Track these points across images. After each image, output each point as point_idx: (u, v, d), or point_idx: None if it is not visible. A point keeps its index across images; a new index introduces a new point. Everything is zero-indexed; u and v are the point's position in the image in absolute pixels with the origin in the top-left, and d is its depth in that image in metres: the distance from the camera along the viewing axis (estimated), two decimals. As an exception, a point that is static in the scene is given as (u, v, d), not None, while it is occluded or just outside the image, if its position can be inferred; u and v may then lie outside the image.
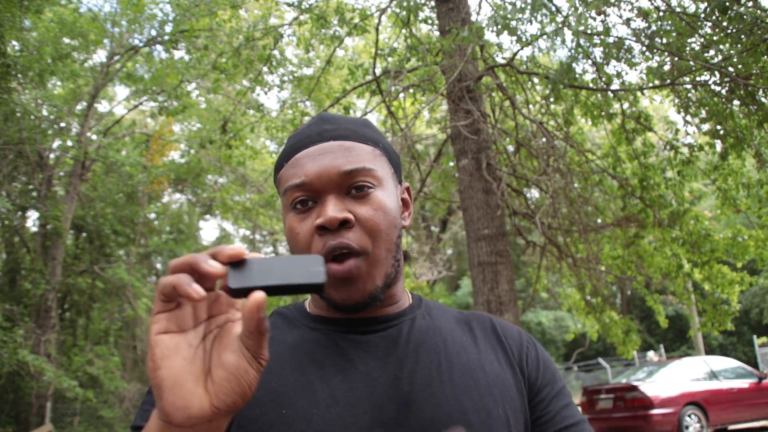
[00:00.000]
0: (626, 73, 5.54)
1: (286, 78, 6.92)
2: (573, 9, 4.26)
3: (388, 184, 0.64)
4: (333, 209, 0.58)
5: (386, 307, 0.65)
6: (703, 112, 4.49)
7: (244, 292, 0.40)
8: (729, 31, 3.82)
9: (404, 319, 0.65)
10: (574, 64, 4.39)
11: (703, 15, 4.02)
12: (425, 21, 5.57)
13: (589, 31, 4.26)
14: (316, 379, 0.59)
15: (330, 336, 0.63)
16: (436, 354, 0.62)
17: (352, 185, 0.61)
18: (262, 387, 0.58)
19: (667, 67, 4.28)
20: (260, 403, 0.57)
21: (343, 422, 0.56)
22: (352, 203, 0.60)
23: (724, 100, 4.26)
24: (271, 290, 0.41)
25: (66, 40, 9.29)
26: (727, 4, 3.54)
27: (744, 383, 7.07)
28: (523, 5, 4.33)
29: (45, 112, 9.66)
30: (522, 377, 0.64)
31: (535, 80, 5.07)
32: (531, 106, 5.20)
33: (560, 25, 4.29)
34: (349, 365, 0.60)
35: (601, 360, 13.70)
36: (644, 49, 4.33)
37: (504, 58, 5.21)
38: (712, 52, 4.02)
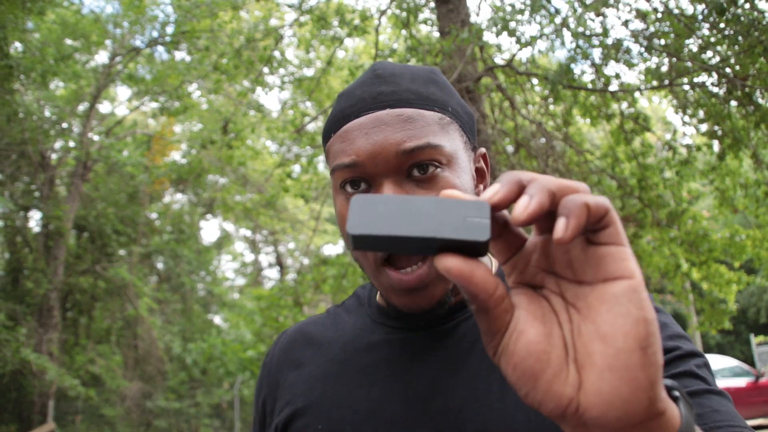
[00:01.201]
0: (625, 74, 5.57)
1: (286, 79, 6.96)
2: (572, 10, 4.30)
3: (460, 159, 0.53)
4: None
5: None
6: (701, 112, 4.52)
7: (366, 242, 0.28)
8: (726, 32, 3.86)
9: (466, 310, 0.56)
10: (572, 65, 4.43)
11: (700, 17, 4.05)
12: (425, 22, 5.60)
13: (587, 33, 4.30)
14: (358, 389, 0.54)
15: (385, 332, 0.57)
16: (487, 357, 0.52)
17: (415, 164, 0.50)
18: (308, 397, 0.56)
19: (665, 68, 4.31)
20: (304, 415, 0.55)
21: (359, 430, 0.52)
22: (414, 188, 0.50)
23: (721, 100, 4.29)
24: (400, 243, 0.28)
25: (68, 42, 9.33)
26: (725, 6, 3.58)
27: (741, 382, 7.11)
28: (522, 6, 4.37)
29: (47, 113, 9.71)
30: None
31: (534, 81, 5.10)
32: (530, 106, 5.24)
33: (559, 27, 4.32)
34: (393, 372, 0.54)
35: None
36: (642, 50, 4.37)
37: (503, 59, 5.24)
38: (709, 54, 4.06)
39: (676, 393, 0.31)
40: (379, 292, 0.61)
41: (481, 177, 0.58)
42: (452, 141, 0.52)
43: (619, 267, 0.27)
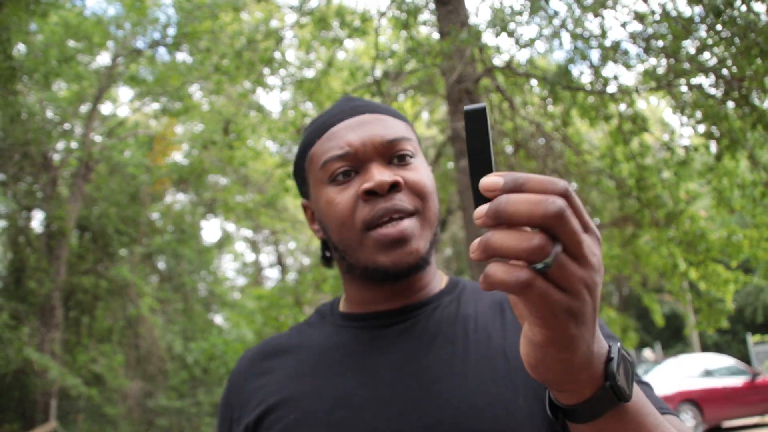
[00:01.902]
0: (623, 75, 5.59)
1: (287, 80, 6.99)
2: (570, 12, 4.34)
3: (423, 158, 0.64)
4: (380, 173, 0.57)
5: (413, 293, 0.63)
6: (699, 113, 4.55)
7: None
8: (723, 34, 3.89)
9: (426, 308, 0.62)
10: (571, 66, 4.46)
11: (698, 18, 4.08)
12: (425, 23, 5.64)
13: (586, 34, 4.33)
14: (329, 381, 0.58)
15: (350, 334, 0.62)
16: (452, 345, 0.58)
17: (394, 154, 0.60)
18: (280, 393, 0.59)
19: (662, 70, 4.35)
20: (276, 409, 0.58)
21: (348, 423, 0.55)
22: (396, 170, 0.59)
23: (718, 102, 4.32)
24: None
25: (71, 43, 9.37)
26: (721, 8, 3.61)
27: (738, 381, 7.14)
28: (521, 8, 4.41)
29: (50, 114, 9.75)
30: None
31: (533, 82, 5.14)
32: (529, 107, 5.27)
33: (558, 28, 4.36)
34: (361, 364, 0.58)
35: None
36: (640, 51, 4.40)
37: (502, 61, 5.28)
38: (707, 55, 4.09)
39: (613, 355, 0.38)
40: (341, 301, 0.68)
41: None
42: (416, 142, 0.64)
43: None
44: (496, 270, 0.31)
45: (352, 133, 0.59)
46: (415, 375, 0.56)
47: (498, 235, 0.31)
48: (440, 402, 0.54)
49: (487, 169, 0.34)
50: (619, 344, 0.39)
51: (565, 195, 0.32)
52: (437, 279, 0.66)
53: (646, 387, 0.55)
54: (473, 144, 0.35)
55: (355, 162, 0.59)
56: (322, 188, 0.60)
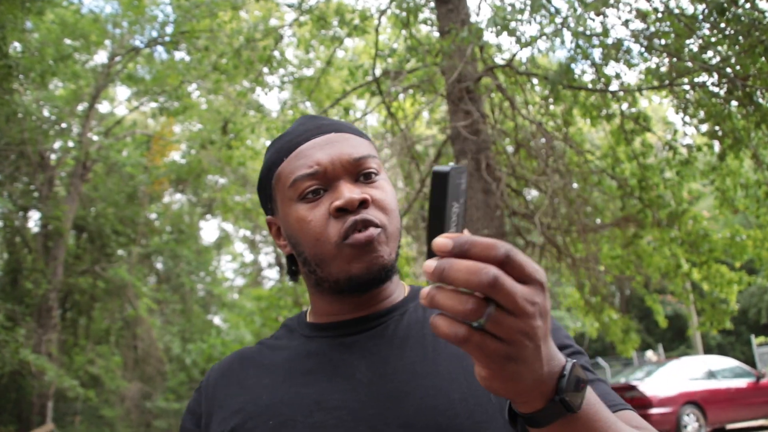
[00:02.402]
0: (625, 74, 5.56)
1: (286, 79, 6.95)
2: (572, 10, 4.29)
3: (385, 173, 0.67)
4: (350, 191, 0.60)
5: (379, 303, 0.66)
6: (702, 112, 4.51)
7: None
8: (727, 32, 3.85)
9: (394, 314, 0.65)
10: (573, 65, 4.42)
11: (701, 16, 4.04)
12: (425, 22, 5.59)
13: (588, 32, 4.29)
14: (304, 388, 0.60)
15: (321, 342, 0.64)
16: (423, 347, 0.61)
17: (361, 172, 0.63)
18: (256, 403, 0.60)
19: (665, 68, 4.30)
20: (252, 417, 0.59)
21: (327, 425, 0.57)
22: (363, 187, 0.62)
23: (722, 101, 4.28)
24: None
25: (67, 41, 9.32)
26: (725, 5, 3.57)
27: (742, 383, 7.10)
28: (522, 6, 4.36)
29: (46, 113, 9.70)
30: None
31: (535, 81, 5.10)
32: (530, 106, 5.23)
33: (559, 26, 4.31)
34: (335, 369, 0.61)
35: (600, 359, 13.72)
36: (643, 50, 4.36)
37: (503, 59, 5.23)
38: (710, 54, 4.05)
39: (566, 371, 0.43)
40: (308, 313, 0.70)
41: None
42: (379, 160, 0.67)
43: None
44: (440, 323, 0.38)
45: (320, 151, 0.62)
46: (390, 376, 0.59)
47: (441, 294, 0.37)
48: (416, 400, 0.57)
49: (442, 229, 0.39)
50: (573, 361, 0.43)
51: (504, 260, 0.36)
52: (400, 289, 0.70)
53: (601, 384, 0.61)
54: (434, 202, 0.39)
55: (324, 180, 0.62)
56: (292, 206, 0.63)
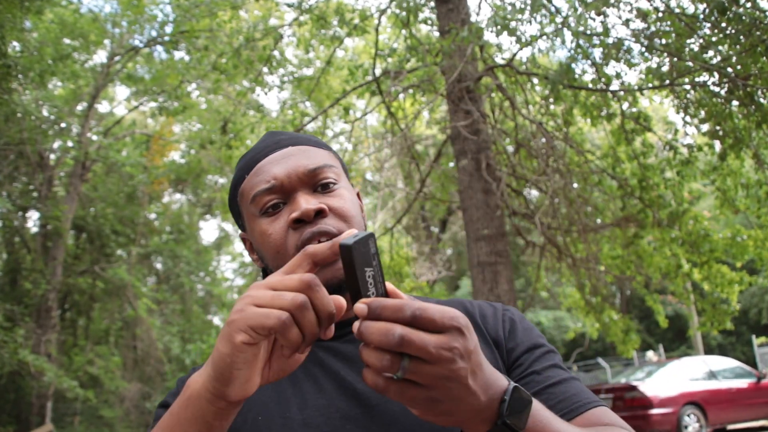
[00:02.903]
0: (625, 74, 5.55)
1: (286, 78, 6.93)
2: (572, 10, 4.28)
3: (347, 183, 0.69)
4: (306, 202, 0.61)
5: (351, 309, 0.67)
6: (702, 112, 4.50)
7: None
8: (728, 32, 3.84)
9: None
10: (573, 65, 4.41)
11: (702, 16, 4.03)
12: (425, 22, 5.58)
13: (588, 32, 4.28)
14: (290, 387, 0.63)
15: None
16: None
17: (318, 183, 0.64)
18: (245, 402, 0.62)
19: (666, 68, 4.29)
20: (242, 413, 0.61)
21: (312, 422, 0.59)
22: (321, 198, 0.64)
23: (722, 100, 4.27)
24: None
25: (66, 41, 9.30)
26: (726, 5, 3.55)
27: (743, 383, 7.08)
28: (522, 6, 4.35)
29: (45, 113, 9.67)
30: (499, 351, 0.66)
31: (535, 81, 5.08)
32: (530, 106, 5.21)
33: (560, 26, 4.30)
34: (320, 371, 0.63)
35: (600, 360, 13.71)
36: (643, 49, 4.34)
37: (503, 59, 5.22)
38: (711, 53, 4.04)
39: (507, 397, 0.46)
40: None
41: (360, 209, 0.72)
42: (339, 168, 0.69)
43: None
44: (365, 375, 0.43)
45: (277, 166, 0.64)
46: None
47: (364, 352, 0.42)
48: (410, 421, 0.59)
49: (360, 295, 0.43)
50: (514, 385, 0.47)
51: (411, 319, 0.41)
52: None
53: (575, 382, 0.63)
54: (346, 272, 0.43)
55: (282, 193, 0.64)
56: (255, 221, 0.65)
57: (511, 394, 0.46)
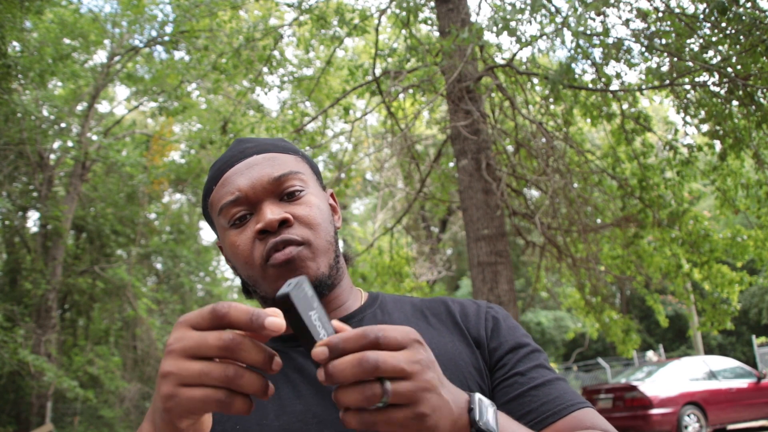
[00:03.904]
0: (625, 74, 5.54)
1: (286, 78, 6.93)
2: (572, 10, 4.28)
3: (315, 187, 0.68)
4: (271, 212, 0.61)
5: (332, 311, 0.67)
6: (702, 112, 4.50)
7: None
8: (728, 32, 3.83)
9: (351, 322, 0.66)
10: (573, 65, 4.40)
11: (702, 16, 4.03)
12: (425, 21, 5.58)
13: (588, 32, 4.28)
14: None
15: (282, 353, 0.64)
16: None
17: (284, 191, 0.64)
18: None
19: (666, 68, 4.29)
20: (220, 422, 0.61)
21: (289, 428, 0.58)
22: (287, 206, 0.64)
23: (723, 100, 4.27)
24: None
25: (66, 41, 9.30)
26: (726, 5, 3.55)
27: (743, 383, 7.08)
28: (522, 6, 4.35)
29: (45, 113, 9.67)
30: (481, 351, 0.65)
31: (535, 81, 5.08)
32: (530, 106, 5.21)
33: (560, 26, 4.30)
34: (298, 376, 0.62)
35: (600, 360, 13.71)
36: (643, 49, 4.34)
37: (503, 59, 5.22)
38: (711, 53, 4.03)
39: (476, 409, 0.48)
40: None
41: (334, 211, 0.72)
42: (307, 173, 0.68)
43: None
44: (350, 420, 0.42)
45: (241, 177, 0.64)
46: None
47: (343, 395, 0.41)
48: None
49: (313, 340, 0.42)
50: (475, 393, 0.48)
51: (375, 342, 0.41)
52: (354, 296, 0.71)
53: (561, 382, 0.62)
54: (292, 322, 0.42)
55: (248, 204, 0.64)
56: (225, 232, 0.66)
57: (477, 402, 0.47)
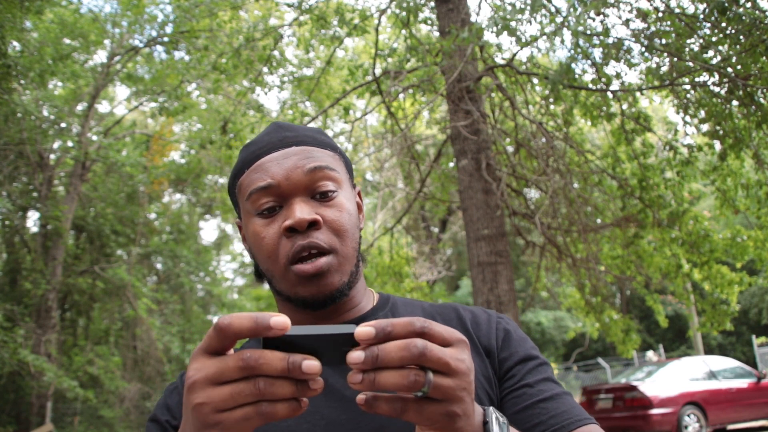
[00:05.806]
0: (625, 74, 5.54)
1: (286, 78, 6.92)
2: (572, 10, 4.28)
3: (347, 187, 0.67)
4: (301, 211, 0.60)
5: (346, 312, 0.66)
6: (702, 112, 4.50)
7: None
8: (728, 31, 3.83)
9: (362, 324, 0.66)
10: (573, 65, 4.40)
11: (702, 16, 4.03)
12: (425, 21, 5.58)
13: (588, 32, 4.28)
14: None
15: None
16: None
17: (317, 190, 0.63)
18: None
19: (666, 68, 4.29)
20: None
21: (296, 429, 0.58)
22: (317, 206, 0.62)
23: (723, 100, 4.27)
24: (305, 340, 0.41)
25: (66, 41, 9.30)
26: (726, 5, 3.55)
27: (743, 383, 7.08)
28: (522, 6, 4.35)
29: (45, 113, 9.68)
30: (491, 360, 0.65)
31: (535, 81, 5.08)
32: (530, 106, 5.21)
33: (559, 26, 4.30)
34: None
35: (600, 360, 13.71)
36: (643, 49, 4.34)
37: (503, 59, 5.22)
38: (711, 53, 4.04)
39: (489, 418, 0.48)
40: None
41: (359, 209, 0.71)
42: (342, 172, 0.67)
43: None
44: (377, 403, 0.41)
45: (276, 166, 0.63)
46: None
47: (382, 377, 0.40)
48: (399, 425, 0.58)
49: (341, 337, 0.40)
50: (489, 408, 0.48)
51: (422, 332, 0.41)
52: (367, 298, 0.70)
53: (567, 397, 0.63)
54: (306, 346, 0.40)
55: (279, 196, 0.63)
56: (250, 218, 0.64)
57: (492, 415, 0.47)
